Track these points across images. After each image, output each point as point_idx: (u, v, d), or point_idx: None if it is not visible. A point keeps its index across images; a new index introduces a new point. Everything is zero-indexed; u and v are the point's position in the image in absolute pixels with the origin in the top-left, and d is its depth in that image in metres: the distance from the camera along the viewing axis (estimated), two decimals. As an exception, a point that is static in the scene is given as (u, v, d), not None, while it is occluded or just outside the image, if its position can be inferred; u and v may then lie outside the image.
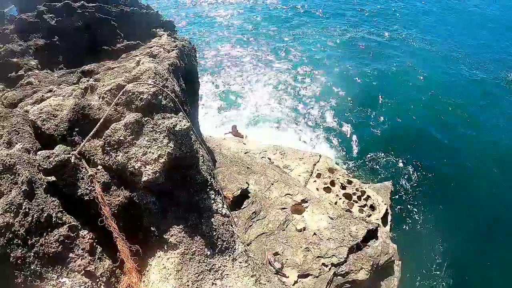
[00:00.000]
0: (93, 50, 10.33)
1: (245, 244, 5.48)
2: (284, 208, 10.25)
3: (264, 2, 40.27)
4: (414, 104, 24.34)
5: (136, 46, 9.99)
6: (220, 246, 4.88)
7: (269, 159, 13.31)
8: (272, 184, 11.03)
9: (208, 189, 5.10)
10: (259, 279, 5.07)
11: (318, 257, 9.20)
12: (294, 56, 29.60)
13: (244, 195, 9.99)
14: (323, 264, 9.08)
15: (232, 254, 4.99)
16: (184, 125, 4.64)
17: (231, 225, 5.23)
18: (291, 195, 10.77)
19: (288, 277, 8.60)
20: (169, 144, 4.53)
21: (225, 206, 5.31)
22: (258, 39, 32.42)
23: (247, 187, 10.16)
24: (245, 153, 13.29)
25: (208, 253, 4.67)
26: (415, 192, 17.50)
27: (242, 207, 9.75)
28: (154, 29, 10.91)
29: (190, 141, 4.91)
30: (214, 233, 4.85)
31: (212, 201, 5.10)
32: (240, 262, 5.01)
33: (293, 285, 8.51)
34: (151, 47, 8.28)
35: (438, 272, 14.08)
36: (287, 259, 8.95)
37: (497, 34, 36.11)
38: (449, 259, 14.57)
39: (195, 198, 4.92)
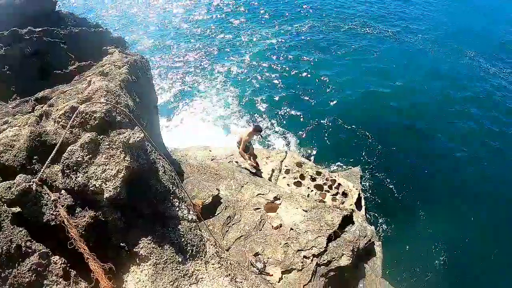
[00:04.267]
0: (46, 75, 10.22)
1: (217, 245, 5.57)
2: (258, 208, 10.35)
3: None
4: (378, 89, 24.81)
5: (88, 66, 9.94)
6: (190, 251, 4.96)
7: (236, 162, 13.40)
8: (242, 186, 11.12)
9: (171, 197, 5.17)
10: (234, 278, 5.18)
11: (298, 250, 9.31)
12: (250, 54, 29.25)
13: (216, 202, 10.01)
14: (304, 256, 9.19)
15: (204, 257, 5.08)
16: (138, 138, 4.71)
17: (199, 230, 5.33)
18: (263, 194, 10.90)
19: (272, 275, 8.63)
20: (125, 158, 4.59)
21: (191, 212, 5.39)
22: (214, 40, 31.96)
23: (218, 193, 10.19)
24: (212, 159, 13.34)
25: (180, 259, 4.74)
26: (385, 172, 17.79)
27: (216, 214, 9.78)
28: (105, 47, 10.85)
29: (146, 153, 4.98)
30: (183, 239, 4.93)
31: (177, 209, 5.17)
32: (213, 264, 5.11)
33: (278, 282, 8.55)
34: (103, 65, 8.26)
35: (418, 247, 14.40)
36: (268, 258, 9.01)
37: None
38: (428, 234, 14.89)
39: (159, 207, 4.98)
